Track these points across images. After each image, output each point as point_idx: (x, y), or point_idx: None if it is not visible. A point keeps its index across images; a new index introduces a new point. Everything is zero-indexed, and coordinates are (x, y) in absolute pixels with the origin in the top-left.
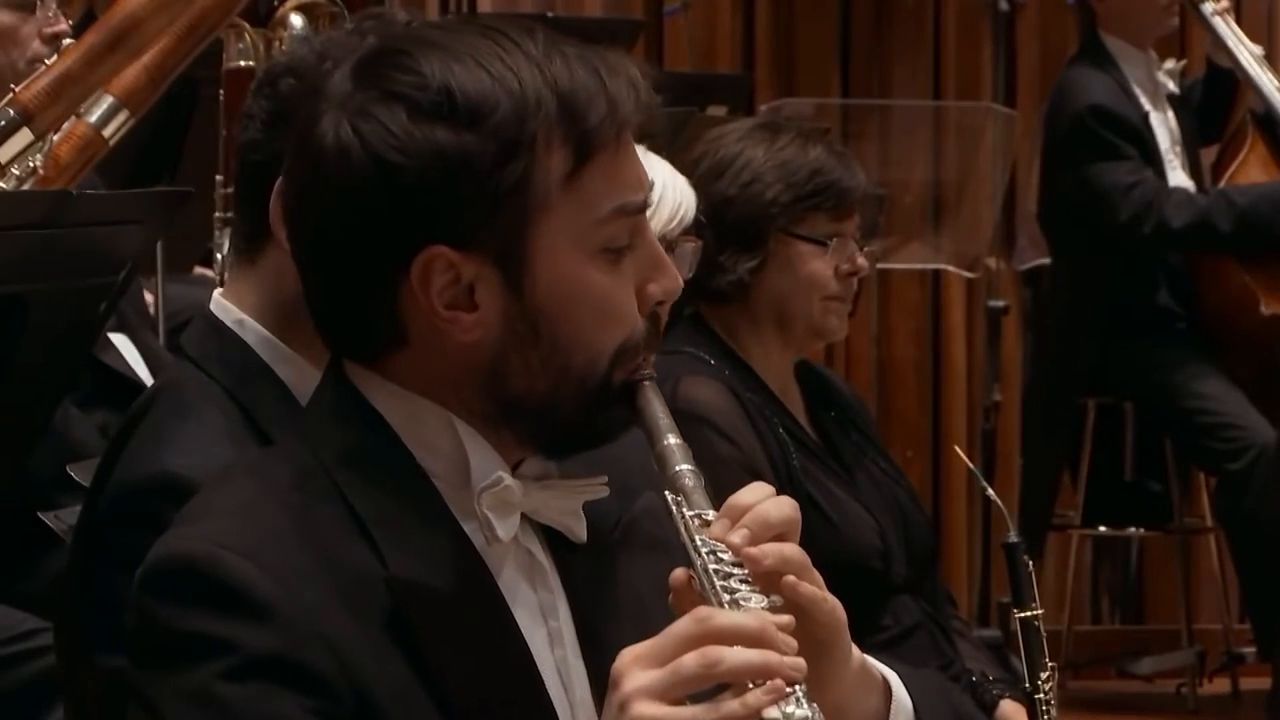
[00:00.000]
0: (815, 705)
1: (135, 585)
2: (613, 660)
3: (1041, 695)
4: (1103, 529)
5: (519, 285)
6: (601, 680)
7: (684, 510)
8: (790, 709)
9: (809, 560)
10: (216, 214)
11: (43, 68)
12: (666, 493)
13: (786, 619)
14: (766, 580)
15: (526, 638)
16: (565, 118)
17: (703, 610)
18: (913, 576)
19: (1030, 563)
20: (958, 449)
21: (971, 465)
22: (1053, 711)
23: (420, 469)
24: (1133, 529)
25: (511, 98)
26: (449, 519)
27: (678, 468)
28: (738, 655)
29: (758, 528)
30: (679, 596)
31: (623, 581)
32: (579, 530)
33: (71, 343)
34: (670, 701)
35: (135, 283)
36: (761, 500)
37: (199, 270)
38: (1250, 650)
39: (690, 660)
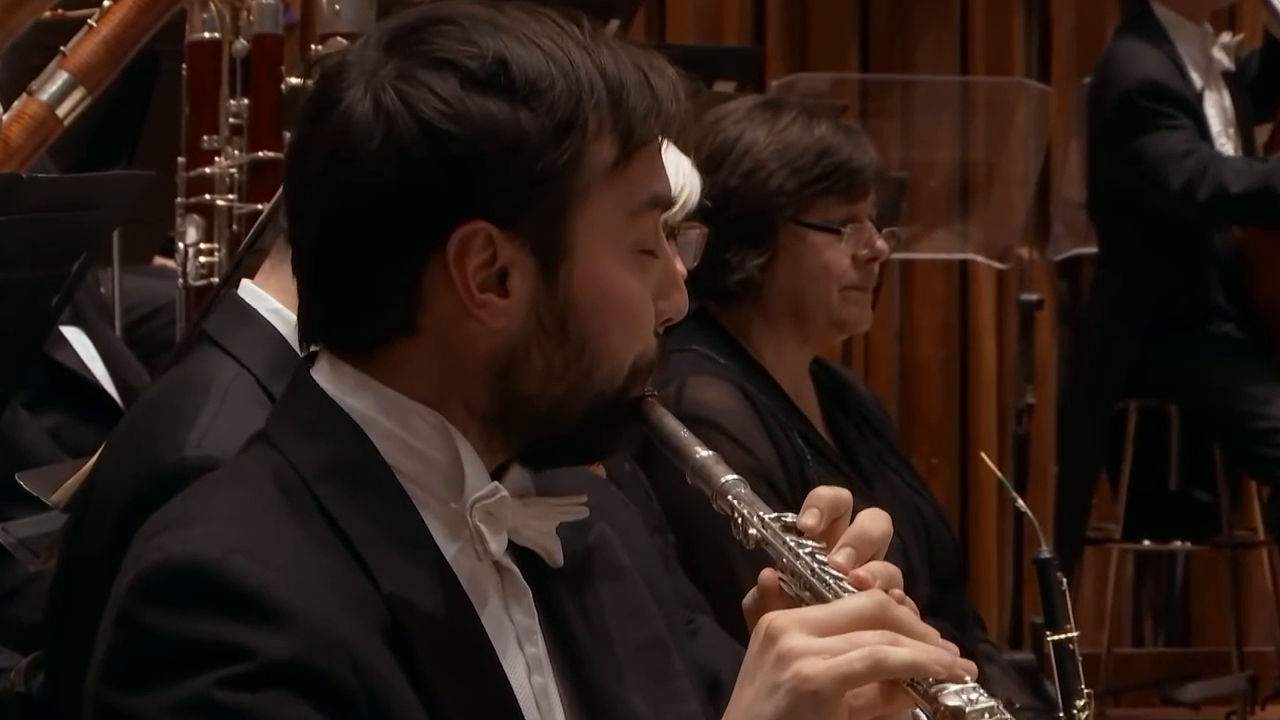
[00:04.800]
0: (997, 701)
1: (122, 594)
2: (590, 686)
3: None
4: (1145, 543)
5: (554, 275)
6: (579, 706)
7: (761, 514)
8: (973, 697)
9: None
10: (179, 199)
11: None
12: (731, 499)
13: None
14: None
15: (506, 664)
16: (614, 106)
17: (880, 594)
18: (936, 598)
19: (1065, 580)
20: (984, 456)
21: (1000, 474)
22: None
23: (399, 487)
24: (1178, 542)
25: (566, 77)
26: (430, 544)
27: (724, 479)
28: (917, 645)
29: (862, 546)
30: (767, 600)
31: (591, 607)
32: (556, 554)
33: (22, 338)
34: None
35: (91, 274)
36: (841, 499)
37: (159, 261)
38: None
39: (872, 637)
